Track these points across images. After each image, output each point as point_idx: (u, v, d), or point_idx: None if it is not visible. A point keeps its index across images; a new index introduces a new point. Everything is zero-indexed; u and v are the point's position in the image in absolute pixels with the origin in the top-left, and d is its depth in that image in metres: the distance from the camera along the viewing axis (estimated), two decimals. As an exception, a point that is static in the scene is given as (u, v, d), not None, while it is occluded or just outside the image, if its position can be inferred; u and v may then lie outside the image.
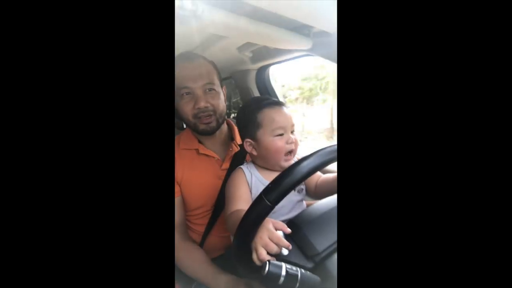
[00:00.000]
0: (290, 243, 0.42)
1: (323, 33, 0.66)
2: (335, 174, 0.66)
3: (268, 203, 0.38)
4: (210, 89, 0.69)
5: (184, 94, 0.67)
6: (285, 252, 0.42)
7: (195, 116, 0.68)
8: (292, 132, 0.60)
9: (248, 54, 0.93)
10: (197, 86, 0.67)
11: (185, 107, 0.68)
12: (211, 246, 0.75)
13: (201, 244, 0.75)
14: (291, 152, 0.59)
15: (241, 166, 0.63)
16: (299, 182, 0.39)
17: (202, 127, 0.69)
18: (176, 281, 0.71)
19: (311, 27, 0.65)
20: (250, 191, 0.59)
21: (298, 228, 0.46)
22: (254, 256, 0.41)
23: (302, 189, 0.65)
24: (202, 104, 0.66)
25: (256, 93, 1.27)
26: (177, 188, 0.71)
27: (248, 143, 0.61)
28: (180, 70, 0.67)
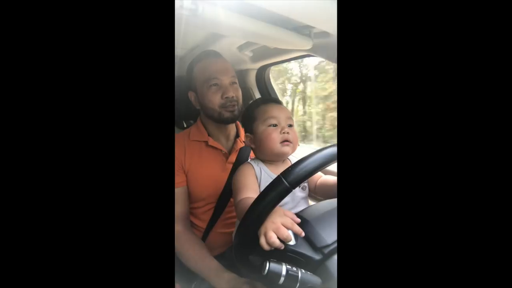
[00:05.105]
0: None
1: (323, 34, 0.66)
2: (334, 178, 0.66)
3: (287, 184, 0.37)
4: (234, 82, 0.77)
5: (212, 85, 0.73)
6: (292, 242, 0.41)
7: (222, 105, 0.74)
8: (289, 125, 0.61)
9: (248, 53, 0.93)
10: (225, 78, 0.74)
11: (213, 97, 0.73)
12: (213, 243, 0.76)
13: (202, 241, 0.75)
14: (287, 141, 0.60)
15: (249, 161, 0.64)
16: (320, 167, 0.39)
17: (227, 114, 0.75)
18: (176, 281, 0.71)
19: (312, 27, 0.64)
20: (259, 185, 0.59)
21: (305, 221, 0.45)
22: (263, 240, 0.39)
23: (306, 186, 0.65)
24: (230, 94, 0.73)
25: (256, 93, 1.27)
26: (183, 178, 0.74)
27: (248, 138, 0.65)
28: (209, 65, 0.74)
